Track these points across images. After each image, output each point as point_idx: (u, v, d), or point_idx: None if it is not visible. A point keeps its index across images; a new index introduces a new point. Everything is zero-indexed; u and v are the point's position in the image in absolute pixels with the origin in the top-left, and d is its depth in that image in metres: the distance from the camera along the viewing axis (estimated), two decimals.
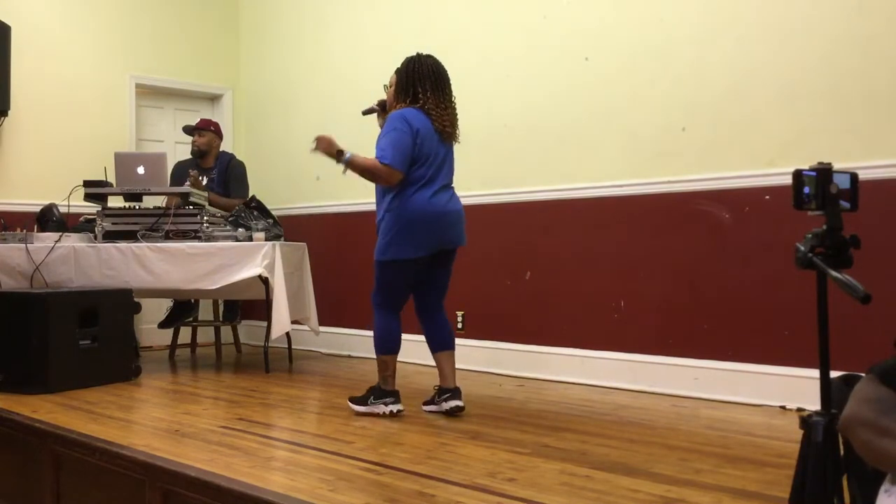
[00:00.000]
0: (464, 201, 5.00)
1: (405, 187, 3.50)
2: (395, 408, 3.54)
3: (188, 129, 5.68)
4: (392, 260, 3.52)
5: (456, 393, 3.57)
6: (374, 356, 3.61)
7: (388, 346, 3.58)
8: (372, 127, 3.83)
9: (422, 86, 3.53)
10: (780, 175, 3.59)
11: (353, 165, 3.45)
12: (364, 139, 3.96)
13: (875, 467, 1.46)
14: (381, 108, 3.75)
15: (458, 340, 5.02)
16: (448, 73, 3.63)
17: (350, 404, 3.60)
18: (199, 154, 5.64)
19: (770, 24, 3.75)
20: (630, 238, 4.24)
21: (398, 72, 3.61)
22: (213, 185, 5.55)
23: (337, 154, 3.46)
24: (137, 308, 4.72)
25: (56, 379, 4.16)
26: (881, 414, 1.41)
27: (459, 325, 5.03)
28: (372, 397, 3.56)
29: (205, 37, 6.66)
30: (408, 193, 3.49)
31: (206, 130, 5.65)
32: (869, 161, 3.35)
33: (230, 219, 5.06)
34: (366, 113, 3.83)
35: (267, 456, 2.88)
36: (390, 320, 3.60)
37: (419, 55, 3.60)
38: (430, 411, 3.64)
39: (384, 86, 3.71)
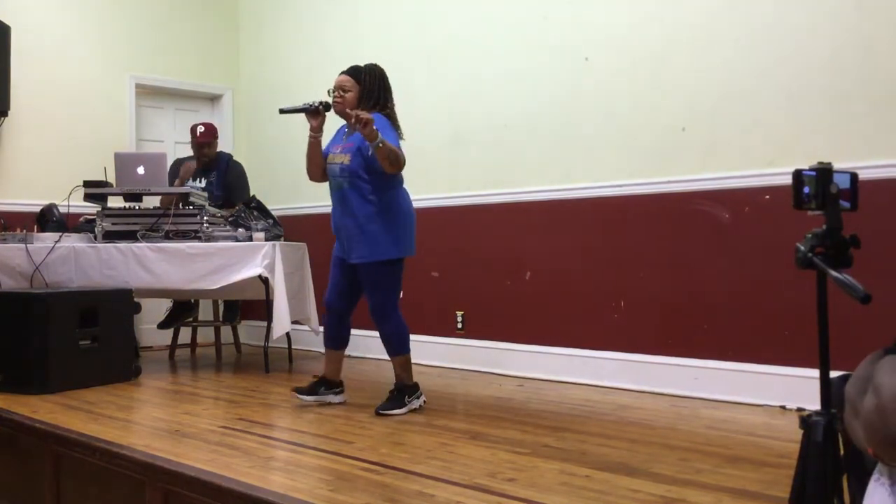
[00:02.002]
0: (464, 201, 5.07)
1: (397, 185, 3.66)
2: (424, 397, 3.73)
3: (199, 147, 5.57)
4: (401, 258, 3.62)
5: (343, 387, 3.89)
6: (387, 357, 3.76)
7: (408, 343, 3.71)
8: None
9: (389, 95, 3.68)
10: (780, 175, 3.59)
11: (387, 145, 3.41)
12: None
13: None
14: (326, 109, 3.70)
15: (458, 340, 5.09)
16: None
17: (387, 413, 3.56)
18: (207, 164, 5.61)
19: (770, 25, 3.75)
20: (630, 238, 4.24)
21: (364, 78, 3.63)
22: (214, 188, 5.54)
23: (376, 133, 3.42)
24: (137, 308, 4.72)
25: (56, 379, 4.16)
26: (860, 394, 1.43)
27: (459, 325, 5.03)
28: (406, 396, 3.64)
29: (205, 37, 6.66)
30: (400, 191, 3.67)
31: (213, 140, 5.63)
32: (869, 161, 3.35)
33: (230, 219, 5.06)
34: (297, 111, 3.73)
35: (267, 456, 2.88)
36: (402, 318, 3.69)
37: (377, 65, 3.68)
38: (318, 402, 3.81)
39: (329, 91, 3.66)
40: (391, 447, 2.97)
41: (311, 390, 3.82)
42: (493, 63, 4.91)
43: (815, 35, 3.61)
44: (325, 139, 3.78)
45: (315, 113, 3.68)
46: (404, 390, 3.65)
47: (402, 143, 3.60)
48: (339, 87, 3.64)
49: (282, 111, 3.81)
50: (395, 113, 3.68)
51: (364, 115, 3.37)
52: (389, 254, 3.57)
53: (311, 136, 3.68)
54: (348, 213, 3.60)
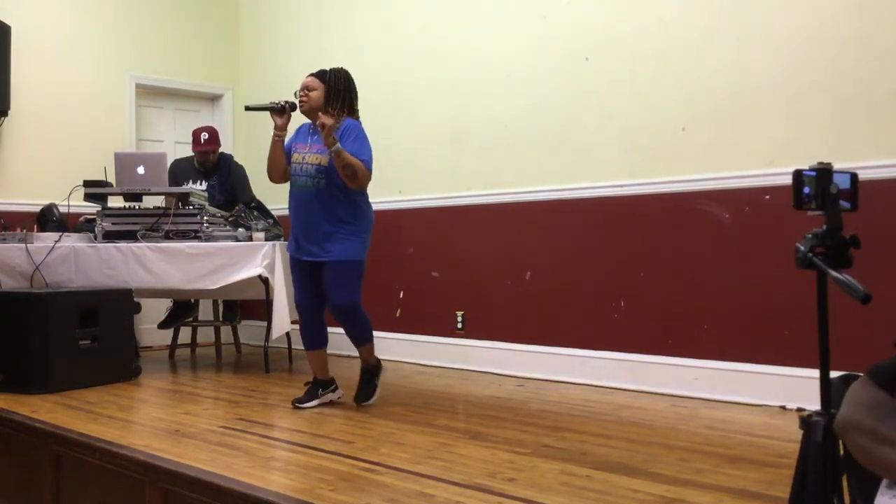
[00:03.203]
0: (464, 201, 5.07)
1: (364, 194, 3.73)
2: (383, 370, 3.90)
3: (203, 154, 5.57)
4: (364, 261, 3.72)
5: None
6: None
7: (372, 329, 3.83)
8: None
9: (355, 97, 3.73)
10: (780, 175, 3.59)
11: (343, 156, 3.50)
12: None
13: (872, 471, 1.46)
14: (292, 109, 3.74)
15: (458, 340, 5.08)
16: None
17: (366, 403, 3.71)
18: (211, 168, 5.61)
19: (770, 24, 3.75)
20: (630, 238, 4.24)
21: (329, 78, 3.68)
22: (215, 191, 5.53)
23: (334, 140, 3.50)
24: (137, 308, 4.72)
25: (56, 379, 4.16)
26: (879, 420, 1.40)
27: (459, 325, 5.03)
28: (376, 378, 3.81)
29: (205, 37, 6.66)
30: (366, 200, 3.75)
31: (217, 147, 5.62)
32: (869, 161, 3.35)
33: (230, 219, 5.06)
34: (263, 109, 3.77)
35: (267, 456, 2.88)
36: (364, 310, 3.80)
37: (343, 68, 3.73)
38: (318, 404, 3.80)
39: (296, 92, 3.71)
40: (391, 447, 2.97)
41: (309, 396, 3.80)
42: (493, 63, 4.91)
43: (816, 35, 3.61)
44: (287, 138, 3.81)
45: (280, 111, 3.73)
46: (373, 372, 3.82)
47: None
48: (304, 87, 3.70)
49: (247, 108, 3.87)
50: (359, 119, 3.74)
51: (327, 119, 3.47)
52: (358, 255, 3.67)
53: (275, 135, 3.72)
54: (321, 213, 3.62)
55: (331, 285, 3.63)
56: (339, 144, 3.49)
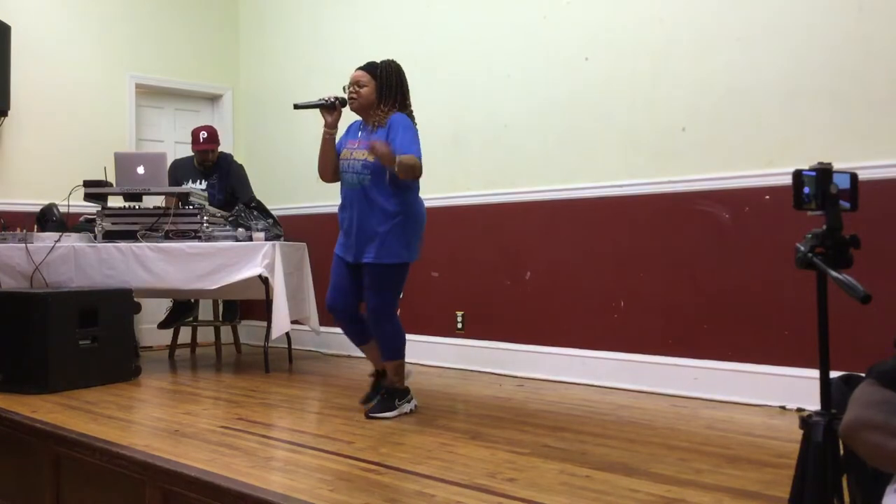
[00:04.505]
0: (464, 201, 5.08)
1: (413, 190, 3.58)
2: (415, 402, 3.62)
3: (202, 153, 5.56)
4: (408, 262, 3.54)
5: None
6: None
7: (404, 349, 3.61)
8: None
9: (407, 92, 3.58)
10: (780, 175, 3.59)
11: (404, 165, 3.35)
12: None
13: (884, 469, 1.44)
14: (342, 105, 3.59)
15: (457, 340, 5.09)
16: None
17: (376, 416, 3.45)
18: (210, 168, 5.61)
19: (770, 24, 3.75)
20: (630, 238, 4.24)
21: (380, 73, 3.52)
22: (215, 190, 5.53)
23: (392, 157, 3.33)
24: (137, 308, 4.72)
25: (56, 379, 4.16)
26: (891, 415, 1.39)
27: (459, 325, 5.03)
28: (397, 400, 3.53)
29: (205, 37, 6.66)
30: (416, 196, 3.59)
31: (216, 146, 5.61)
32: (869, 161, 3.35)
33: (230, 219, 5.06)
34: (312, 107, 3.63)
35: (267, 456, 2.88)
36: (400, 323, 3.60)
37: (394, 61, 3.58)
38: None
39: (345, 87, 3.56)
40: (391, 447, 2.97)
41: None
42: (494, 63, 4.91)
43: (816, 35, 3.61)
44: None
45: (331, 108, 3.57)
46: (395, 394, 3.54)
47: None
48: (354, 83, 3.53)
49: (296, 106, 3.71)
50: (412, 114, 3.60)
51: (379, 146, 3.30)
52: (401, 257, 3.49)
53: (325, 133, 3.57)
54: (368, 211, 3.48)
55: (367, 287, 3.50)
56: (397, 158, 3.32)
